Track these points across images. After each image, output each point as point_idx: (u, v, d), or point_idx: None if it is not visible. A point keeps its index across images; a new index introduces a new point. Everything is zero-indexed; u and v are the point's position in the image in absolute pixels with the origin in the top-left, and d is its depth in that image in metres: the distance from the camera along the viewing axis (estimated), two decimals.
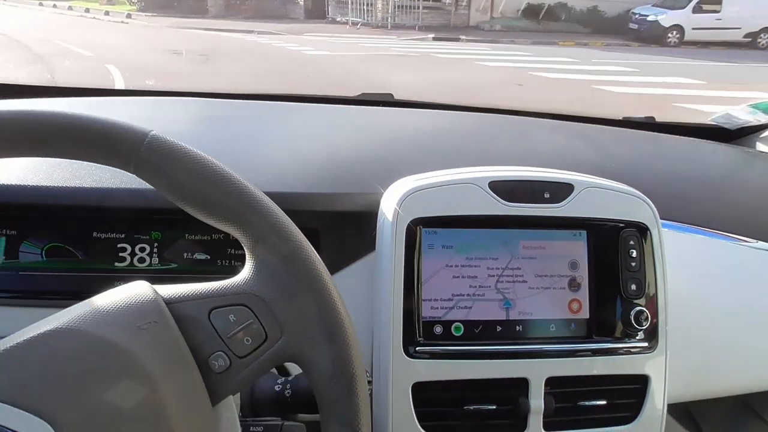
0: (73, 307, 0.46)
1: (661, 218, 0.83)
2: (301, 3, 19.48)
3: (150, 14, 18.62)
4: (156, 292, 0.48)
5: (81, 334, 0.44)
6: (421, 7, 17.07)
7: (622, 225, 0.77)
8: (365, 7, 17.32)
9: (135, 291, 0.48)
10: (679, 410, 0.96)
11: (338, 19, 18.13)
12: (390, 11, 17.18)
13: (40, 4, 20.48)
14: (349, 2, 17.57)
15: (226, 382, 0.48)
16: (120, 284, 0.74)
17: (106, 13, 18.27)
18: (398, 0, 17.10)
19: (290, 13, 19.44)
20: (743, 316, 0.88)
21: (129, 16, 17.91)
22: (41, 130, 0.46)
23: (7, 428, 0.40)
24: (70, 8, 19.62)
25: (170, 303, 0.47)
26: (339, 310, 0.49)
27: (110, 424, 0.43)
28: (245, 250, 0.49)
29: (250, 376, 0.48)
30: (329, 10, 19.04)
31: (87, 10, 18.82)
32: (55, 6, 19.75)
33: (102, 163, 0.48)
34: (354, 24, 17.09)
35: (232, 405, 0.52)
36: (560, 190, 0.75)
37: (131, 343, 0.44)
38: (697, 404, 0.92)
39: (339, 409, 0.48)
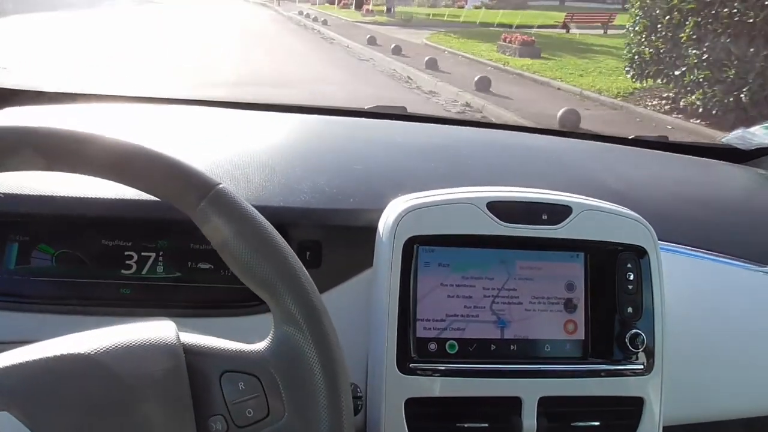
0: (99, 331, 0.48)
1: (665, 240, 0.83)
2: None
3: None
4: (178, 337, 0.49)
5: (94, 362, 0.45)
6: None
7: (620, 248, 0.78)
8: None
9: (159, 332, 0.49)
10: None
11: None
12: None
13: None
14: None
15: None
16: (126, 291, 0.77)
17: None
18: None
19: None
20: (746, 339, 0.88)
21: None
22: (123, 161, 0.49)
23: None
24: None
25: (188, 353, 0.48)
26: (344, 407, 0.49)
27: None
28: (273, 319, 0.50)
29: None
30: None
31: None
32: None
33: (162, 199, 0.50)
34: None
35: None
36: (558, 212, 0.76)
37: (139, 383, 0.45)
38: (700, 426, 0.92)
39: None
